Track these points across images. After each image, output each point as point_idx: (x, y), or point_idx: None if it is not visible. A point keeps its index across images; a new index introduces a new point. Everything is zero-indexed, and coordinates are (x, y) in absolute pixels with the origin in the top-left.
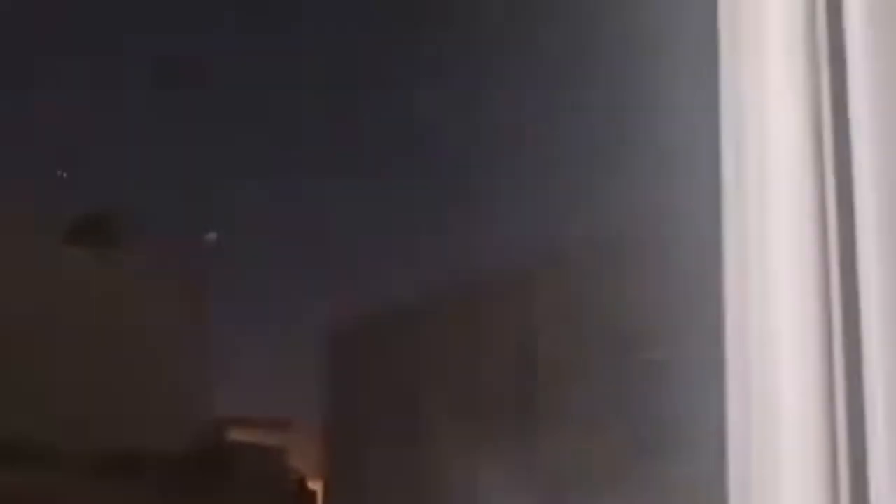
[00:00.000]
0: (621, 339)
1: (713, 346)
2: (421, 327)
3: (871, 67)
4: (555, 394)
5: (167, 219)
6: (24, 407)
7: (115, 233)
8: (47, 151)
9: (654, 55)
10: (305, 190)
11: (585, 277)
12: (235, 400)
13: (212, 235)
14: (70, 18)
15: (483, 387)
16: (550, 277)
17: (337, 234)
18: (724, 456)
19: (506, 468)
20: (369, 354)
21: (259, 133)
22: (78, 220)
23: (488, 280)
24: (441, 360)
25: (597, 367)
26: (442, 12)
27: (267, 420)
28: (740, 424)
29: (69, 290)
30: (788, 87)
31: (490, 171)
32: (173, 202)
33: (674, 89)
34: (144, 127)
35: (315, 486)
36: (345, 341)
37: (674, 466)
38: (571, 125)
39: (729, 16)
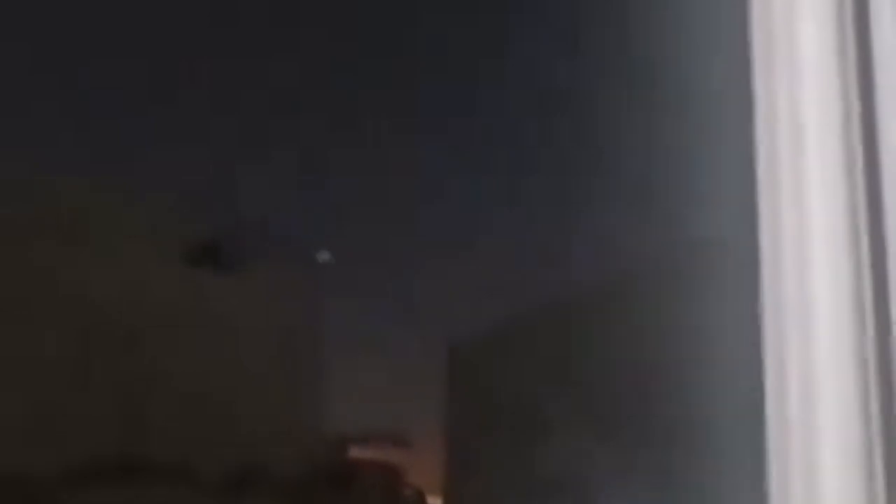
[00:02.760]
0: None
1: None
2: (542, 343)
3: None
4: (680, 408)
5: (283, 238)
6: (154, 426)
7: (234, 255)
8: (165, 180)
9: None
10: (423, 205)
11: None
12: (356, 417)
13: (325, 254)
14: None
15: (608, 403)
16: (675, 284)
17: (457, 249)
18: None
19: (631, 490)
20: (490, 371)
21: (376, 156)
22: (199, 244)
23: (610, 291)
24: (564, 375)
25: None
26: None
27: (387, 437)
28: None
29: (194, 313)
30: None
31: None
32: (288, 223)
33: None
34: (259, 152)
35: (434, 502)
36: (465, 358)
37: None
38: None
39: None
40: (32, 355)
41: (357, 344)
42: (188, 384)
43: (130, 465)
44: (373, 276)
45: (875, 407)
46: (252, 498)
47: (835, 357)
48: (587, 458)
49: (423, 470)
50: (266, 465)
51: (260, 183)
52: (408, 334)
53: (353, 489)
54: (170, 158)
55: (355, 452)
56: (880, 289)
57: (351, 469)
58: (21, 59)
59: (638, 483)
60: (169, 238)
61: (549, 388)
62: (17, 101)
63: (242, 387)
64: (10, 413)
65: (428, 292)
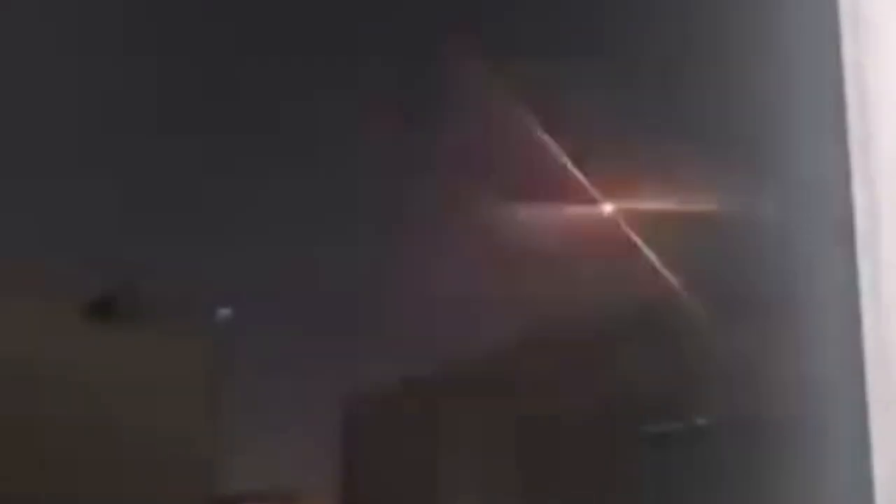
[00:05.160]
0: None
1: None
2: (442, 399)
3: None
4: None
5: (181, 294)
6: (39, 484)
7: (128, 309)
8: (56, 229)
9: None
10: (316, 256)
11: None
12: (247, 475)
13: (225, 311)
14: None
15: (508, 467)
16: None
17: (352, 298)
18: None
19: None
20: (386, 426)
21: (270, 204)
22: (92, 298)
23: (515, 347)
24: (463, 434)
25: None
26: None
27: (275, 495)
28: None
29: (80, 367)
30: None
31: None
32: (186, 277)
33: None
34: (156, 201)
35: None
36: (360, 412)
37: None
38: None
39: None
40: None
41: (250, 401)
42: (76, 441)
43: None
44: (271, 331)
45: None
46: None
47: None
48: None
49: None
50: None
51: (161, 233)
52: (302, 391)
53: None
54: (66, 210)
55: None
56: None
57: None
58: None
59: None
60: (64, 292)
61: (452, 450)
62: None
63: (131, 443)
64: None
65: (325, 349)
